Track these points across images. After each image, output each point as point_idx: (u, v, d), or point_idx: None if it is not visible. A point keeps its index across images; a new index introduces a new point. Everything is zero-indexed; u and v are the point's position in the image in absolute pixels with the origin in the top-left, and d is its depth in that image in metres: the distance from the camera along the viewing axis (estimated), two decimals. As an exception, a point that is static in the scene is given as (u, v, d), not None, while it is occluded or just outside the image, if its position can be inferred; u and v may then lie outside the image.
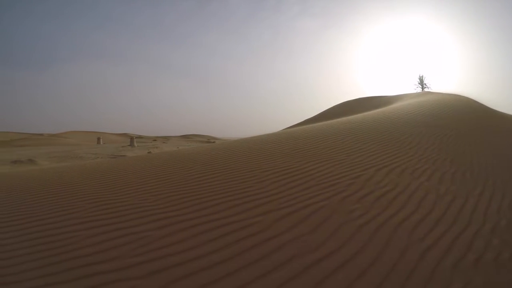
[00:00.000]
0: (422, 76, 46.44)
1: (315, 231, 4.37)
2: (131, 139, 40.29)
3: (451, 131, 12.65)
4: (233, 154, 8.75)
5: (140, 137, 62.32)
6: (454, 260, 4.10)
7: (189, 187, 6.04)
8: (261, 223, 4.40)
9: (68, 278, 3.26)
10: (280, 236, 4.06)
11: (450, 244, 4.44)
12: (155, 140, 57.83)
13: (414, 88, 45.79)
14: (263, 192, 5.72)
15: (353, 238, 4.38)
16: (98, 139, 49.73)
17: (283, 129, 19.53)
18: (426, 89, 43.67)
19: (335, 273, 3.58)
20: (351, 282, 3.49)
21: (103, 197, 5.76)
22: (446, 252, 4.25)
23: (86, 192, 6.14)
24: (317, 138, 10.45)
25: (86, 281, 3.19)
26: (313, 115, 38.81)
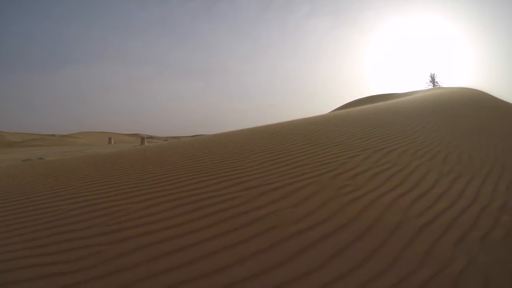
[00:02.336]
0: (434, 74, 46.19)
1: (299, 205, 4.05)
2: (142, 139, 40.07)
3: (459, 116, 12.04)
4: (230, 140, 8.43)
5: (151, 137, 62.29)
6: (456, 237, 3.56)
7: (182, 168, 5.96)
8: (243, 197, 4.23)
9: (48, 242, 3.45)
10: (262, 209, 3.88)
11: (452, 221, 3.90)
12: (166, 140, 57.60)
13: (426, 86, 45.33)
14: (251, 171, 5.41)
15: (340, 212, 3.95)
16: (109, 139, 49.56)
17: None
18: (437, 86, 43.14)
19: (315, 245, 3.24)
20: (332, 255, 3.10)
21: (95, 178, 5.93)
22: (446, 229, 3.71)
23: (82, 175, 6.38)
24: (317, 124, 9.93)
25: (59, 246, 3.31)
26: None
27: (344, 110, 14.47)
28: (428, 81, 46.57)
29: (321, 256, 3.09)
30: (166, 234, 3.38)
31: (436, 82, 46.13)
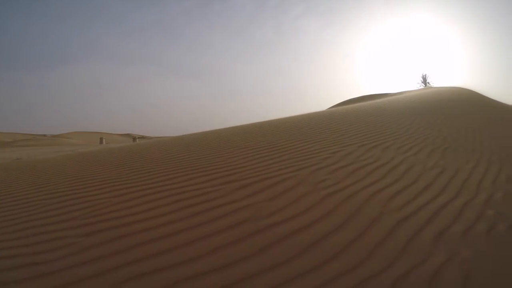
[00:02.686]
0: (425, 75, 46.58)
1: (275, 199, 3.95)
2: (134, 139, 39.74)
3: (447, 114, 11.92)
4: (215, 137, 8.32)
5: (143, 137, 61.66)
6: (436, 231, 3.38)
7: (164, 163, 5.92)
8: (220, 191, 4.19)
9: (28, 234, 3.49)
10: (237, 202, 3.84)
11: (433, 215, 3.72)
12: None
13: (418, 86, 45.64)
14: (232, 166, 5.30)
15: (317, 206, 3.80)
16: (101, 139, 48.94)
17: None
18: (428, 86, 43.51)
19: (288, 238, 3.12)
20: (305, 248, 2.96)
21: (78, 175, 5.87)
22: (427, 223, 3.53)
23: (66, 172, 6.30)
24: (301, 121, 9.79)
25: (37, 238, 3.36)
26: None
27: (330, 109, 14.31)
28: (420, 82, 46.93)
29: (293, 249, 2.95)
30: (141, 226, 3.40)
31: (428, 82, 46.47)
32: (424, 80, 46.72)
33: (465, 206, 4.01)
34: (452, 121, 10.59)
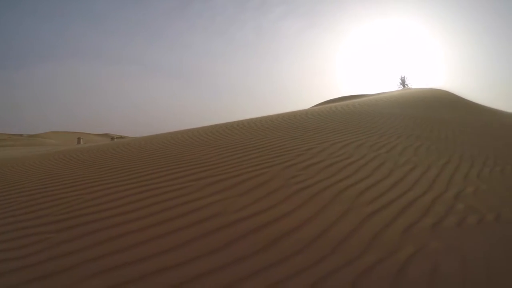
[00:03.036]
0: (404, 77, 47.41)
1: (246, 194, 3.90)
2: (112, 139, 39.10)
3: (421, 113, 12.02)
4: (190, 136, 8.20)
5: (121, 137, 60.57)
6: (406, 225, 3.32)
7: (136, 161, 5.82)
8: (190, 187, 4.14)
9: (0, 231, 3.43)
10: (207, 198, 3.80)
11: (403, 209, 3.68)
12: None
13: (397, 88, 46.43)
14: (204, 163, 5.23)
15: (287, 201, 3.74)
16: (79, 139, 47.80)
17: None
18: (407, 87, 44.33)
19: (254, 232, 3.06)
20: (271, 242, 2.90)
21: (54, 173, 5.77)
22: (396, 217, 3.48)
23: (42, 170, 6.17)
24: (275, 120, 9.72)
25: (10, 235, 3.32)
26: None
27: (305, 109, 14.31)
28: (399, 83, 47.76)
29: (259, 243, 2.88)
30: (110, 222, 3.35)
31: (406, 84, 47.30)
32: (403, 82, 47.63)
33: (435, 200, 3.98)
34: (425, 121, 10.68)
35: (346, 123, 9.19)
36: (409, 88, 38.28)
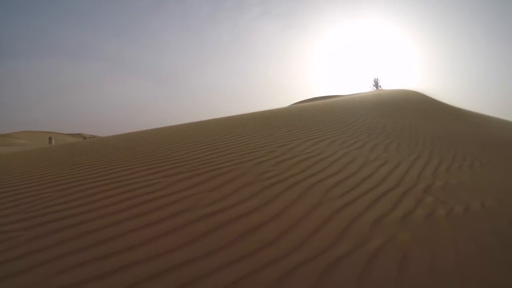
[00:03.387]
0: (377, 78, 48.31)
1: (216, 190, 3.87)
2: (84, 138, 38.26)
3: (392, 112, 12.19)
4: (166, 133, 8.19)
5: (94, 137, 59.35)
6: (375, 217, 3.33)
7: (108, 159, 5.72)
8: (162, 183, 4.08)
9: None
10: (178, 193, 3.76)
11: (372, 202, 3.69)
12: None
13: (370, 89, 47.23)
14: (176, 160, 5.16)
15: (257, 195, 3.71)
16: (50, 139, 46.43)
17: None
18: (380, 89, 45.16)
19: (224, 226, 3.04)
20: (240, 236, 2.87)
21: (23, 170, 5.69)
22: (366, 210, 3.49)
23: (11, 168, 6.04)
24: (248, 119, 9.67)
25: None
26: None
27: (279, 108, 14.34)
28: (372, 85, 48.61)
29: (229, 236, 2.84)
30: (80, 218, 3.28)
31: (379, 85, 48.16)
32: (376, 84, 48.47)
33: (404, 194, 4.00)
34: (396, 120, 10.84)
35: (318, 121, 9.23)
36: (382, 90, 39.04)
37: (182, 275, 2.34)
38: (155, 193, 3.78)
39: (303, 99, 39.11)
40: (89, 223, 3.14)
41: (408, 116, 12.32)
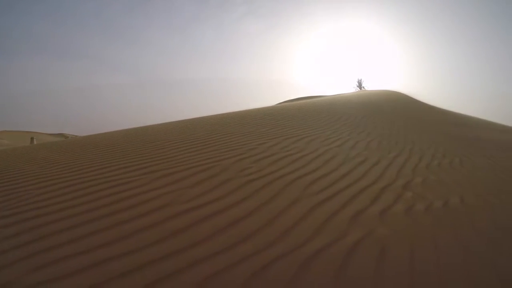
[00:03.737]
0: (361, 79, 49.18)
1: (196, 186, 3.83)
2: (66, 138, 37.64)
3: (373, 112, 12.26)
4: (146, 131, 8.10)
5: (76, 136, 58.27)
6: (354, 212, 3.30)
7: (91, 158, 5.58)
8: (141, 180, 4.04)
9: None
10: (157, 190, 3.72)
11: (351, 198, 3.67)
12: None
13: (354, 89, 48.08)
14: (156, 158, 5.12)
15: (236, 191, 3.68)
16: (32, 139, 45.56)
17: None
18: (363, 89, 46.03)
19: (203, 221, 3.01)
20: (219, 230, 2.84)
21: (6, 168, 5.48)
22: (344, 205, 3.47)
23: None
24: (229, 118, 9.63)
25: None
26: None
27: (259, 107, 14.33)
28: (356, 85, 49.46)
29: (206, 232, 2.80)
30: (58, 215, 3.21)
31: (363, 86, 48.98)
32: (360, 84, 49.30)
33: (384, 189, 3.99)
34: (377, 119, 10.90)
35: (299, 120, 9.22)
36: (365, 90, 39.63)
37: (159, 269, 2.29)
38: (133, 190, 3.73)
39: (287, 99, 39.26)
40: (67, 220, 3.08)
41: (390, 115, 12.41)
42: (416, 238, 2.84)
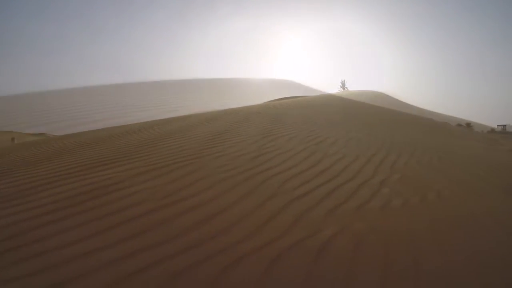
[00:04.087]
0: (344, 80, 50.92)
1: (173, 182, 3.79)
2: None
3: (353, 112, 12.32)
4: (125, 130, 7.96)
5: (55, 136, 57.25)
6: (330, 207, 3.28)
7: (67, 156, 5.44)
8: (118, 177, 3.97)
9: None
10: (136, 186, 3.68)
11: (327, 194, 3.65)
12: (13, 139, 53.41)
13: (338, 89, 49.43)
14: (135, 154, 5.07)
15: (212, 188, 3.64)
16: (13, 139, 44.53)
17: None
18: (346, 90, 47.42)
19: (178, 216, 2.98)
20: (191, 226, 2.80)
21: None
22: (320, 200, 3.45)
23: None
24: (209, 116, 9.51)
25: None
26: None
27: (242, 107, 14.30)
28: (339, 86, 50.75)
29: (179, 227, 2.77)
30: (37, 212, 3.15)
31: (346, 87, 50.26)
32: (343, 85, 50.87)
33: (361, 186, 3.98)
34: (357, 118, 10.95)
35: (278, 119, 9.18)
36: (348, 90, 40.43)
37: (132, 263, 2.25)
38: (112, 187, 3.67)
39: (271, 100, 39.36)
40: (45, 217, 3.02)
41: (371, 114, 12.50)
42: (392, 232, 2.83)
